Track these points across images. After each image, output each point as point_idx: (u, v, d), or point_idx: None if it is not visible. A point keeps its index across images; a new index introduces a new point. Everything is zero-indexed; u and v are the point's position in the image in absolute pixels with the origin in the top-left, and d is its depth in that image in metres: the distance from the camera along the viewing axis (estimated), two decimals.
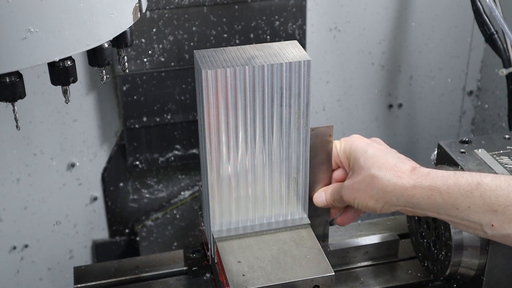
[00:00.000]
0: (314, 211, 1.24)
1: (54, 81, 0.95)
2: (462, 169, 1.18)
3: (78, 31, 0.90)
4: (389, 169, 1.08)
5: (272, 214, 1.18)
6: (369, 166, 1.10)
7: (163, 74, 1.55)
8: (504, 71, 1.50)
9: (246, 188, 1.14)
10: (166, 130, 1.61)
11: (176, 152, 1.65)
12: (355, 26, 1.69)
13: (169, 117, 1.59)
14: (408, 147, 1.88)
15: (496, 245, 1.16)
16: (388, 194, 1.08)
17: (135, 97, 1.55)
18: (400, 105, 1.83)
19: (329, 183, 1.23)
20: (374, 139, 1.18)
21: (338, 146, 1.19)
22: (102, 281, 1.30)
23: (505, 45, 1.48)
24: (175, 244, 1.75)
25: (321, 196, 1.20)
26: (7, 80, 0.90)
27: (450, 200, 1.02)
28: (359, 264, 1.34)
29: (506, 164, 1.20)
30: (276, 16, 1.56)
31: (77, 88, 1.55)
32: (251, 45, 1.10)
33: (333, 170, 1.22)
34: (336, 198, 1.18)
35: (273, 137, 1.11)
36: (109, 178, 1.68)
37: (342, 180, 1.20)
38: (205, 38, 1.54)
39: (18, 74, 0.90)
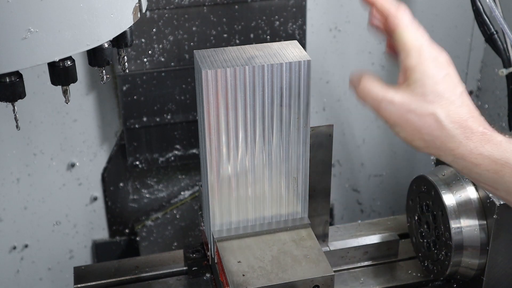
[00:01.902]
0: (314, 211, 1.24)
1: (54, 81, 0.95)
2: None
3: (78, 31, 0.90)
4: (457, 121, 0.88)
5: (272, 214, 1.18)
6: (436, 99, 0.88)
7: (163, 74, 1.55)
8: (504, 71, 1.49)
9: (246, 188, 1.14)
10: (166, 130, 1.61)
11: (176, 152, 1.65)
12: (355, 26, 1.69)
13: (169, 117, 1.59)
14: (408, 147, 1.87)
15: (496, 245, 1.16)
16: (447, 150, 0.89)
17: (135, 97, 1.55)
18: None
19: (329, 183, 1.22)
20: (448, 64, 0.93)
21: (399, 39, 0.95)
22: (102, 281, 1.30)
23: (505, 45, 1.48)
24: (175, 244, 1.75)
25: (356, 80, 0.95)
26: (7, 80, 0.90)
27: None
28: (359, 264, 1.35)
29: None
30: (276, 16, 1.56)
31: (77, 88, 1.55)
32: (251, 45, 1.11)
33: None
34: (369, 101, 0.92)
35: (273, 137, 1.11)
36: (109, 178, 1.68)
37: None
38: (205, 38, 1.54)
39: (18, 74, 0.90)
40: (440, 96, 0.89)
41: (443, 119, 0.88)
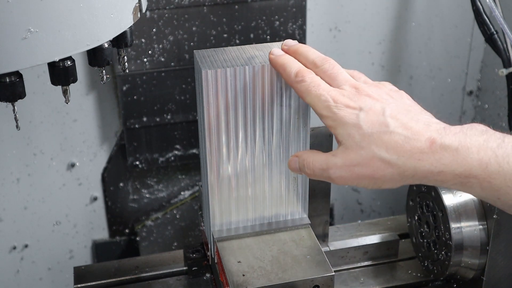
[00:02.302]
0: (314, 211, 1.24)
1: (54, 81, 0.95)
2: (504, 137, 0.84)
3: (78, 31, 0.90)
4: (399, 150, 0.83)
5: (272, 214, 1.18)
6: (368, 143, 0.85)
7: (163, 74, 1.55)
8: (504, 71, 1.49)
9: (246, 188, 1.14)
10: (166, 130, 1.61)
11: (176, 152, 1.65)
12: (355, 26, 1.69)
13: (169, 117, 1.59)
14: None
15: (496, 245, 1.16)
16: (408, 179, 0.84)
17: (135, 97, 1.55)
18: None
19: (329, 183, 1.22)
20: (360, 99, 0.90)
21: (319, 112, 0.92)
22: (102, 281, 1.30)
23: (505, 45, 1.48)
24: (175, 244, 1.75)
25: (295, 162, 0.97)
26: (7, 80, 0.90)
27: (492, 191, 0.81)
28: (359, 264, 1.35)
29: None
30: (276, 16, 1.56)
31: (77, 88, 1.55)
32: (251, 45, 1.10)
33: None
34: (318, 175, 0.92)
35: (273, 137, 1.11)
36: (109, 178, 1.68)
37: None
38: (205, 38, 1.54)
39: (18, 74, 0.90)
40: (368, 136, 0.85)
41: (385, 156, 0.84)
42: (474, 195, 0.86)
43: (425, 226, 1.27)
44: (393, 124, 0.85)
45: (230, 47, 1.10)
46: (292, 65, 0.98)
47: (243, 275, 1.06)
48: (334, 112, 0.89)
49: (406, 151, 0.83)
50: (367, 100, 0.89)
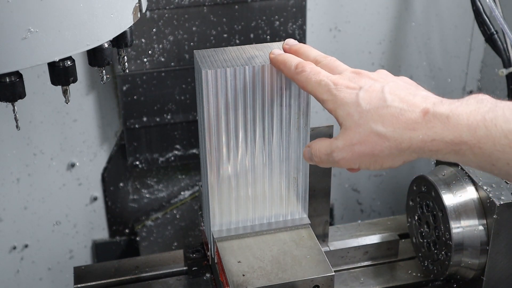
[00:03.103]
0: (314, 211, 1.24)
1: (54, 81, 0.95)
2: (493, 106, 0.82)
3: (78, 31, 0.90)
4: (394, 121, 0.85)
5: (272, 214, 1.18)
6: (366, 120, 0.87)
7: (163, 74, 1.55)
8: (504, 71, 1.50)
9: (246, 188, 1.14)
10: (166, 130, 1.61)
11: (176, 152, 1.65)
12: (355, 26, 1.69)
13: (169, 117, 1.59)
14: None
15: (496, 245, 1.16)
16: (405, 152, 0.85)
17: (135, 97, 1.55)
18: None
19: (329, 183, 1.22)
20: (361, 78, 0.92)
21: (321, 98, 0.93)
22: (102, 281, 1.30)
23: (505, 45, 1.48)
24: (175, 244, 1.75)
25: (308, 153, 0.98)
26: (7, 80, 0.90)
27: (484, 156, 0.80)
28: (359, 264, 1.35)
29: None
30: (276, 16, 1.56)
31: (77, 88, 1.55)
32: (251, 45, 1.11)
33: None
34: (325, 160, 0.94)
35: (273, 137, 1.11)
36: (109, 178, 1.68)
37: None
38: (205, 38, 1.54)
39: (18, 74, 0.91)
40: (365, 112, 0.87)
41: (381, 130, 0.86)
42: (470, 165, 0.84)
43: (425, 226, 1.27)
44: (390, 99, 0.87)
45: (230, 47, 1.10)
46: (292, 59, 0.99)
47: (243, 275, 1.07)
48: (335, 94, 0.90)
49: (401, 122, 0.84)
50: (367, 80, 0.91)
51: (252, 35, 1.57)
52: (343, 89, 0.90)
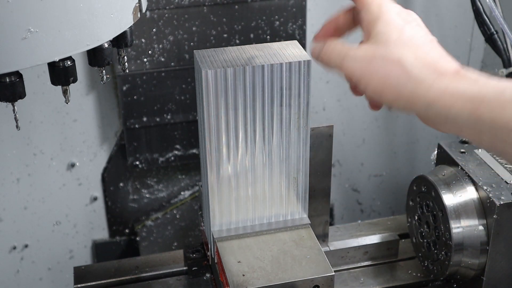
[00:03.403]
0: (314, 211, 1.24)
1: (54, 81, 0.95)
2: None
3: (78, 31, 0.90)
4: (426, 63, 0.79)
5: (272, 214, 1.18)
6: (401, 44, 0.81)
7: (163, 74, 1.55)
8: (504, 71, 1.49)
9: (246, 188, 1.14)
10: (166, 130, 1.61)
11: (176, 152, 1.64)
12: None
13: (169, 117, 1.59)
14: (408, 147, 1.88)
15: (496, 245, 1.16)
16: (417, 95, 0.79)
17: (135, 97, 1.55)
18: None
19: (329, 183, 1.22)
20: (414, 18, 0.86)
21: (364, 4, 0.88)
22: (102, 281, 1.30)
23: (505, 45, 1.48)
24: (175, 244, 1.75)
25: (318, 48, 0.90)
26: (7, 80, 0.90)
27: (503, 121, 0.73)
28: (359, 264, 1.35)
29: (506, 164, 1.21)
30: (276, 16, 1.56)
31: (77, 88, 1.55)
32: (251, 45, 1.11)
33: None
34: (334, 63, 0.88)
35: (273, 137, 1.11)
36: (109, 178, 1.68)
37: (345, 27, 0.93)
38: (205, 38, 1.54)
39: (18, 74, 0.90)
40: (406, 41, 0.81)
41: (410, 62, 0.80)
42: (480, 136, 0.77)
43: (425, 226, 1.27)
44: (434, 45, 0.82)
45: (230, 47, 1.10)
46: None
47: (243, 275, 1.07)
48: (383, 11, 0.85)
49: (432, 66, 0.79)
50: (422, 23, 0.85)
51: (252, 35, 1.57)
52: (394, 13, 0.84)
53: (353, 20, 0.93)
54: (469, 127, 0.77)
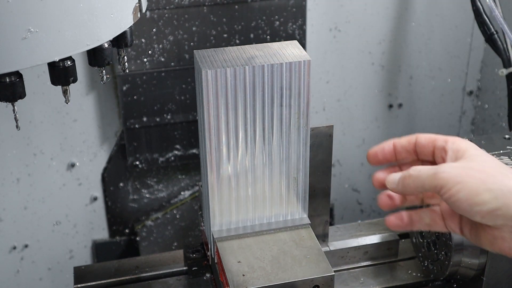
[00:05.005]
0: (314, 211, 1.24)
1: (54, 81, 0.95)
2: None
3: (78, 31, 0.90)
4: (504, 170, 0.86)
5: (272, 214, 1.18)
6: (491, 164, 0.87)
7: (163, 74, 1.55)
8: (504, 71, 1.49)
9: (246, 188, 1.14)
10: (166, 130, 1.61)
11: (176, 152, 1.65)
12: (355, 26, 1.69)
13: (169, 117, 1.59)
14: None
15: None
16: (506, 188, 0.82)
17: (135, 97, 1.55)
18: (400, 105, 1.83)
19: (329, 183, 1.22)
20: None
21: (447, 140, 0.93)
22: (102, 281, 1.30)
23: (505, 45, 1.48)
24: (175, 244, 1.75)
25: (395, 176, 0.95)
26: (7, 80, 0.90)
27: None
28: (359, 264, 1.34)
29: (506, 164, 1.20)
30: (276, 16, 1.56)
31: (77, 88, 1.55)
32: (251, 45, 1.11)
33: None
34: (422, 179, 0.89)
35: (273, 137, 1.11)
36: (109, 178, 1.68)
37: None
38: (205, 38, 1.54)
39: (18, 74, 0.90)
40: (491, 160, 0.88)
41: (505, 172, 0.85)
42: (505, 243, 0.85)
43: None
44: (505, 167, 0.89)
45: (230, 47, 1.10)
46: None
47: (243, 275, 1.06)
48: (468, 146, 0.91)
49: (504, 185, 0.84)
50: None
51: (252, 35, 1.57)
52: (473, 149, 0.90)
53: (411, 152, 0.97)
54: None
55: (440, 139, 0.94)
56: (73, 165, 1.64)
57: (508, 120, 1.55)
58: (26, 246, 1.68)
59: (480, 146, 1.23)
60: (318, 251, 1.12)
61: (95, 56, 0.97)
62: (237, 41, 1.56)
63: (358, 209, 1.93)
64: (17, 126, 0.97)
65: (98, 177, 1.68)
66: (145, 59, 1.52)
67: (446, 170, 0.86)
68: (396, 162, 0.99)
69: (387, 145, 0.97)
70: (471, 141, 1.25)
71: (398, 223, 0.98)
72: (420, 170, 0.90)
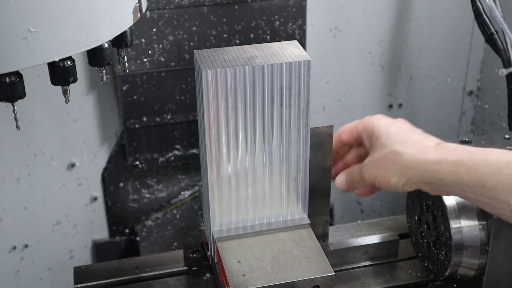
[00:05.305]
0: (314, 211, 1.24)
1: (54, 81, 0.95)
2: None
3: (78, 31, 0.90)
4: (412, 144, 1.05)
5: (272, 214, 1.18)
6: (391, 142, 1.07)
7: (163, 74, 1.55)
8: (504, 71, 1.49)
9: (246, 188, 1.14)
10: (166, 130, 1.61)
11: (176, 152, 1.65)
12: (355, 26, 1.69)
13: (169, 117, 1.59)
14: None
15: (496, 245, 1.16)
16: (411, 170, 1.04)
17: (135, 97, 1.55)
18: (400, 105, 1.83)
19: (329, 183, 1.23)
20: (398, 119, 1.15)
21: (360, 125, 1.15)
22: (102, 281, 1.30)
23: (505, 45, 1.48)
24: (175, 244, 1.75)
25: (342, 179, 1.17)
26: (7, 80, 0.90)
27: (477, 177, 0.98)
28: (359, 264, 1.34)
29: None
30: (276, 16, 1.56)
31: (77, 88, 1.55)
32: (251, 45, 1.10)
33: (348, 150, 1.21)
34: (355, 178, 1.15)
35: (273, 137, 1.11)
36: (109, 178, 1.68)
37: (358, 161, 1.18)
38: (205, 38, 1.54)
39: (18, 74, 0.91)
40: (392, 135, 1.08)
41: (400, 149, 1.05)
42: (462, 188, 1.00)
43: (425, 226, 1.27)
44: (414, 131, 1.10)
45: (230, 47, 1.10)
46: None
47: (243, 275, 1.07)
48: (374, 127, 1.12)
49: (417, 147, 1.05)
50: (404, 122, 1.14)
51: (252, 35, 1.57)
52: (381, 123, 1.12)
53: (355, 138, 1.18)
54: (454, 187, 1.01)
55: (353, 130, 1.17)
56: (73, 165, 1.64)
57: (508, 120, 1.55)
58: (26, 246, 1.68)
59: (480, 146, 1.24)
60: (318, 251, 1.12)
61: (95, 56, 0.97)
62: (237, 41, 1.56)
63: (358, 209, 1.93)
64: (17, 126, 0.97)
65: (98, 177, 1.68)
66: (145, 59, 1.52)
67: (365, 171, 1.11)
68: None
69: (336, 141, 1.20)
70: (470, 141, 1.25)
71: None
72: (351, 175, 1.16)
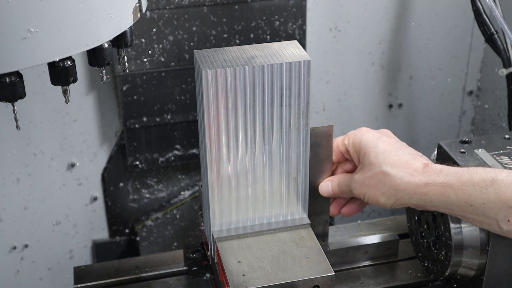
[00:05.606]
0: (314, 210, 1.24)
1: (54, 81, 0.95)
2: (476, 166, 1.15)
3: (78, 31, 0.90)
4: (401, 167, 1.07)
5: (272, 214, 1.18)
6: (380, 162, 1.09)
7: (163, 74, 1.55)
8: (504, 71, 1.49)
9: (246, 188, 1.14)
10: (166, 130, 1.61)
11: (176, 152, 1.65)
12: (355, 26, 1.69)
13: (169, 117, 1.60)
14: None
15: (496, 245, 1.16)
16: (400, 192, 1.07)
17: (135, 97, 1.55)
18: (400, 105, 1.83)
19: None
20: (383, 131, 1.17)
21: (346, 140, 1.17)
22: (102, 281, 1.30)
23: (505, 45, 1.48)
24: (175, 244, 1.75)
25: (328, 185, 1.19)
26: (7, 80, 0.90)
27: (464, 197, 1.02)
28: (359, 264, 1.34)
29: (506, 164, 1.20)
30: (276, 16, 1.56)
31: (77, 88, 1.55)
32: (251, 45, 1.10)
33: (339, 163, 1.22)
34: (344, 190, 1.17)
35: (273, 137, 1.11)
36: (109, 178, 1.68)
37: (350, 171, 1.19)
38: (205, 38, 1.54)
39: (18, 74, 0.90)
40: (381, 153, 1.10)
41: (389, 171, 1.08)
42: (451, 207, 1.06)
43: (425, 226, 1.27)
44: (401, 149, 1.11)
45: (230, 47, 1.10)
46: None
47: (243, 275, 1.07)
48: (362, 144, 1.14)
49: (405, 168, 1.07)
50: (390, 135, 1.17)
51: (252, 35, 1.57)
52: (368, 139, 1.14)
53: (340, 157, 1.21)
54: (443, 207, 1.06)
55: (338, 148, 1.19)
56: (73, 165, 1.64)
57: (508, 120, 1.55)
58: (26, 246, 1.68)
59: (480, 146, 1.24)
60: (318, 251, 1.12)
61: (95, 56, 0.97)
62: (237, 41, 1.56)
63: None
64: (17, 126, 0.97)
65: (98, 177, 1.68)
66: (145, 59, 1.53)
67: (353, 186, 1.14)
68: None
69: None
70: (470, 141, 1.25)
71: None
72: (340, 186, 1.18)
